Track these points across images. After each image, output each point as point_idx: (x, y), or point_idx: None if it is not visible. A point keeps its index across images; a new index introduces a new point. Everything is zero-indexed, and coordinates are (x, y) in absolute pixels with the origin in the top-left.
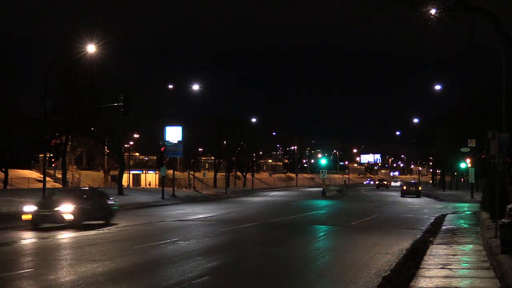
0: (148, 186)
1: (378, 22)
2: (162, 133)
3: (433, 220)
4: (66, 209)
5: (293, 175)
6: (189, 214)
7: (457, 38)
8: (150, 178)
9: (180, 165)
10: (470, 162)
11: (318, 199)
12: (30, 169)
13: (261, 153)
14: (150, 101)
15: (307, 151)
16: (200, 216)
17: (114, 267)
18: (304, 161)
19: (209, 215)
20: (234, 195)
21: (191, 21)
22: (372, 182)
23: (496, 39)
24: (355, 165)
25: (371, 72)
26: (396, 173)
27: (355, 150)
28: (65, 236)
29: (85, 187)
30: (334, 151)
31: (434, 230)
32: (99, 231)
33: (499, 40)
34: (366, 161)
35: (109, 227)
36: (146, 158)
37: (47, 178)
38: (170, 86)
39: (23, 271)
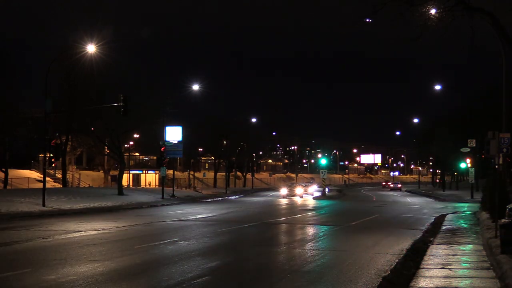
0: (148, 186)
1: (378, 22)
2: (162, 133)
3: (433, 220)
4: None
5: (293, 175)
6: (189, 214)
7: (457, 38)
8: (150, 178)
9: (180, 165)
10: (470, 162)
11: (318, 199)
12: (30, 169)
13: (261, 153)
14: (150, 101)
15: (307, 151)
16: (200, 216)
17: (114, 267)
18: (304, 161)
19: (209, 215)
20: (234, 195)
21: (191, 21)
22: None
23: (496, 39)
24: (355, 165)
25: (372, 72)
26: (396, 173)
27: (355, 150)
28: (65, 236)
29: None
30: (334, 151)
31: (434, 230)
32: (99, 231)
33: (499, 40)
34: (366, 161)
35: (109, 227)
36: (146, 158)
37: (47, 178)
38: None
39: (23, 271)
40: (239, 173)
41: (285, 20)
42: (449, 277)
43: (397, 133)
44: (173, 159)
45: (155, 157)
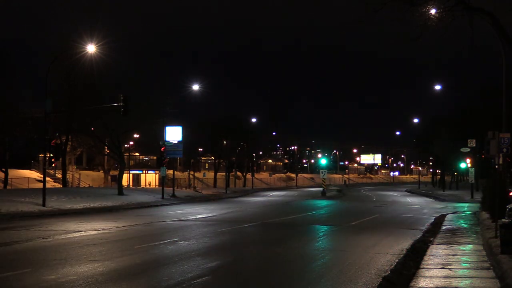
0: (148, 186)
1: (378, 23)
2: (162, 133)
3: (433, 220)
4: None
5: (293, 175)
6: (189, 214)
7: (458, 38)
8: (150, 178)
9: (180, 165)
10: (470, 162)
11: (318, 199)
12: (30, 169)
13: (261, 153)
14: (150, 101)
15: (307, 151)
16: (200, 216)
17: (114, 267)
18: (304, 161)
19: (209, 215)
20: (234, 195)
21: (192, 21)
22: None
23: (496, 39)
24: (355, 165)
25: (372, 72)
26: (396, 173)
27: (355, 150)
28: (65, 236)
29: None
30: (334, 151)
31: (434, 230)
32: (99, 231)
33: (499, 40)
34: (366, 161)
35: (109, 227)
36: (146, 158)
37: (47, 178)
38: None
39: (23, 271)
40: (239, 173)
41: (285, 20)
42: (449, 277)
43: (397, 133)
44: (173, 159)
45: (155, 157)
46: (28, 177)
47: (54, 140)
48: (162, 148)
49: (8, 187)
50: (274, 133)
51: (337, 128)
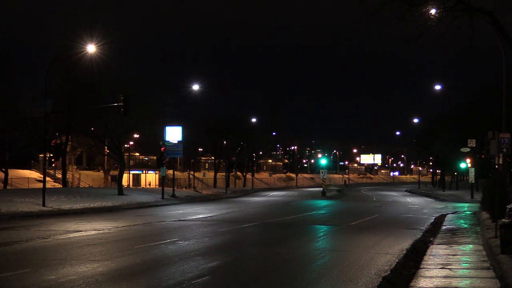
0: (148, 186)
1: (379, 23)
2: (162, 133)
3: (433, 220)
4: None
5: (293, 175)
6: (189, 214)
7: (458, 38)
8: (150, 178)
9: (180, 165)
10: (470, 162)
11: (318, 199)
12: (30, 169)
13: (261, 153)
14: (150, 101)
15: (307, 151)
16: (200, 216)
17: (114, 267)
18: (304, 161)
19: (209, 215)
20: (234, 195)
21: (191, 20)
22: None
23: (496, 39)
24: (355, 165)
25: (372, 72)
26: (396, 173)
27: (355, 150)
28: (65, 236)
29: None
30: (334, 151)
31: (434, 230)
32: (99, 231)
33: (499, 40)
34: (366, 161)
35: (109, 227)
36: (146, 158)
37: (47, 178)
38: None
39: (23, 271)
40: (239, 173)
41: (285, 20)
42: (449, 277)
43: (397, 133)
44: (173, 159)
45: (155, 157)
46: (28, 177)
47: (54, 140)
48: (162, 148)
49: (8, 187)
50: (274, 133)
51: (337, 128)
